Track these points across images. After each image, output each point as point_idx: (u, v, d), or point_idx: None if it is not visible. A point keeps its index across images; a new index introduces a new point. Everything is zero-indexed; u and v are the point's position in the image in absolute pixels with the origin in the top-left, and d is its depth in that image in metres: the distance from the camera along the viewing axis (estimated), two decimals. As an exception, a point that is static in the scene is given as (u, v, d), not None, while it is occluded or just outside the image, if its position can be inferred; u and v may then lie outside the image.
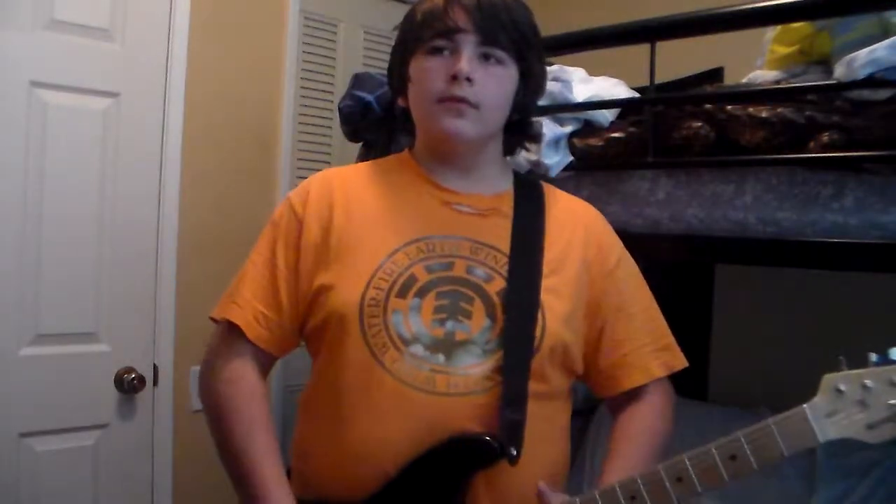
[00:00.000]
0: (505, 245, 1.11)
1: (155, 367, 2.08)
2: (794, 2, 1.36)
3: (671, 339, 1.19)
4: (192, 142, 2.15)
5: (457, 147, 1.12)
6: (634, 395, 1.15)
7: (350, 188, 1.15)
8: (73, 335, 1.98)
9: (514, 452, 1.00)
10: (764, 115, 1.33)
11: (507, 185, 1.18)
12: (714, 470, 0.92)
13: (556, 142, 1.59)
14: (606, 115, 1.62)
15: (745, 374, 2.19)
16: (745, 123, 1.36)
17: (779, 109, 1.33)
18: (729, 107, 1.39)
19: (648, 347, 1.16)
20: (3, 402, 1.84)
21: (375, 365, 1.02)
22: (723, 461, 0.91)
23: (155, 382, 2.08)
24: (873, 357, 0.88)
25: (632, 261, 1.22)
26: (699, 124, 1.42)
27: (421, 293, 1.05)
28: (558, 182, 1.62)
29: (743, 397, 2.17)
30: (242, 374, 1.09)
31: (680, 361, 1.18)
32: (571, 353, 1.10)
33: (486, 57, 1.07)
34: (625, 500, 0.95)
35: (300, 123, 2.44)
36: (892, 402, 0.85)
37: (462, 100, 1.06)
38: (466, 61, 1.05)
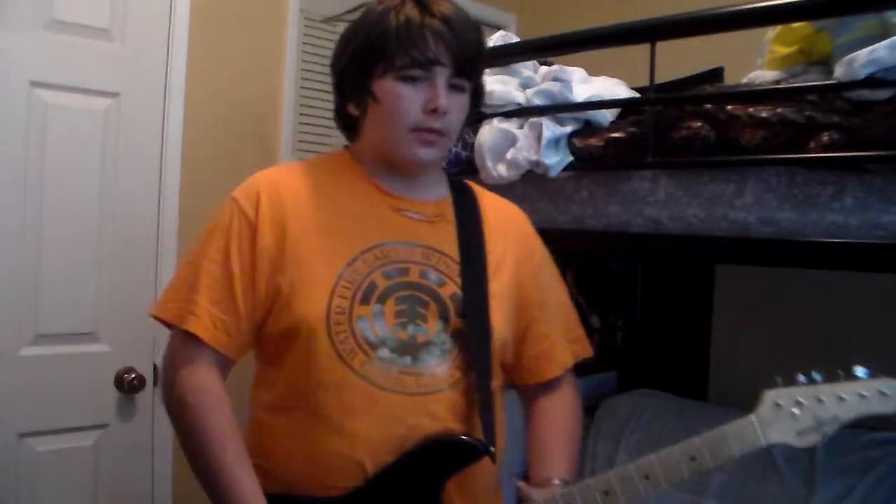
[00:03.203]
0: (453, 250, 1.16)
1: (155, 367, 2.08)
2: (794, 2, 1.36)
3: (581, 331, 1.29)
4: (192, 142, 2.15)
5: (419, 170, 1.17)
6: (550, 385, 1.25)
7: (299, 193, 1.15)
8: (73, 335, 1.97)
9: (493, 450, 1.08)
10: (764, 115, 1.33)
11: (445, 190, 1.24)
12: (677, 468, 1.05)
13: (556, 142, 1.59)
14: (606, 115, 1.62)
15: (745, 374, 2.18)
16: (745, 123, 1.36)
17: (779, 109, 1.33)
18: (729, 107, 1.39)
19: (563, 339, 1.25)
20: (3, 402, 1.84)
21: (345, 369, 1.06)
22: (684, 461, 1.05)
23: (155, 382, 2.08)
24: (801, 377, 1.05)
25: (549, 257, 1.29)
26: (699, 124, 1.42)
27: (381, 299, 1.09)
28: (558, 182, 1.63)
29: (743, 397, 2.17)
30: (208, 383, 1.09)
31: (587, 351, 1.28)
32: (510, 348, 1.20)
33: (452, 86, 1.11)
34: (599, 495, 1.05)
35: (300, 123, 2.44)
36: (818, 413, 1.03)
37: (436, 131, 1.11)
38: (443, 96, 1.09)
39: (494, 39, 1.82)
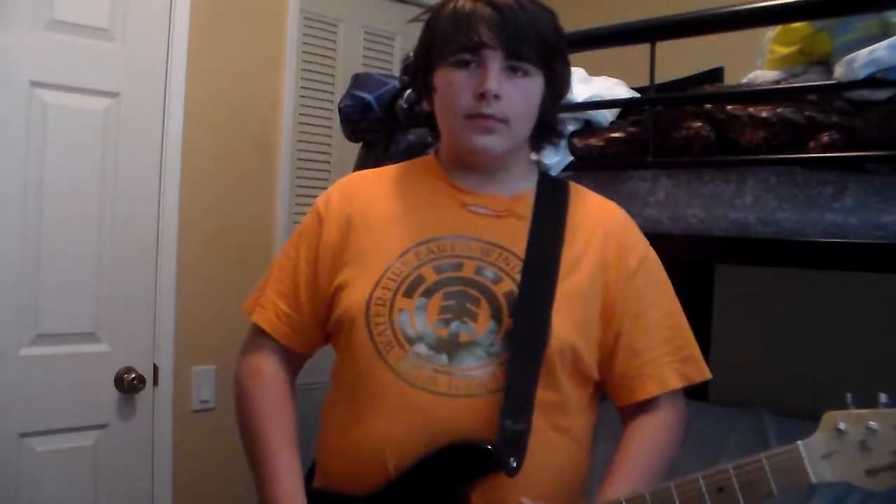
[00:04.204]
0: (519, 247, 1.09)
1: (155, 367, 2.08)
2: (794, 2, 1.36)
3: (694, 350, 1.14)
4: (192, 142, 2.15)
5: (486, 161, 1.12)
6: (647, 406, 1.12)
7: (370, 191, 1.18)
8: (73, 335, 1.98)
9: (514, 464, 0.98)
10: (764, 115, 1.33)
11: (529, 186, 1.17)
12: (699, 500, 0.89)
13: (556, 142, 1.59)
14: (606, 115, 1.62)
15: (745, 374, 2.19)
16: (745, 123, 1.35)
17: (779, 109, 1.33)
18: (729, 107, 1.39)
19: (666, 358, 1.12)
20: (3, 402, 1.84)
21: (379, 362, 1.04)
22: (709, 492, 0.88)
23: (155, 382, 2.08)
24: (882, 398, 0.82)
25: (657, 265, 1.17)
26: (699, 124, 1.42)
27: (428, 293, 1.06)
28: (558, 182, 1.63)
29: (743, 397, 2.17)
30: (262, 368, 1.15)
31: (700, 374, 1.14)
32: (583, 358, 1.07)
33: (512, 69, 1.07)
34: None
35: (300, 123, 2.44)
36: None
37: (490, 117, 1.06)
38: (493, 79, 1.04)
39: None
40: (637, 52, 1.49)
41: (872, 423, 0.81)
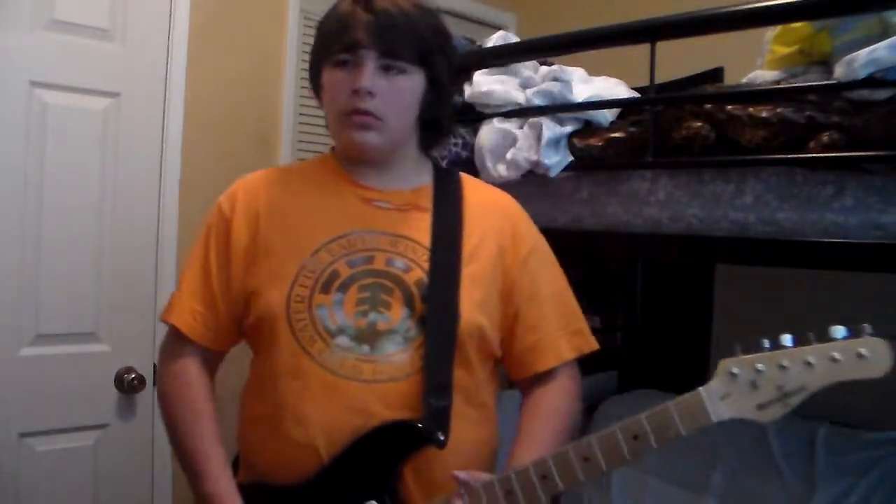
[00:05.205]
0: (424, 238, 1.17)
1: (155, 367, 2.08)
2: (794, 2, 1.36)
3: (583, 324, 1.26)
4: (192, 142, 2.15)
5: (366, 156, 1.19)
6: (545, 377, 1.22)
7: (275, 190, 1.22)
8: (73, 335, 1.98)
9: (442, 438, 1.07)
10: (764, 115, 1.33)
11: (425, 179, 1.25)
12: (617, 449, 0.99)
13: (556, 142, 1.59)
14: (606, 115, 1.62)
15: (744, 374, 2.19)
16: (745, 123, 1.36)
17: (779, 109, 1.33)
18: (729, 107, 1.39)
19: (560, 332, 1.23)
20: (3, 402, 1.84)
21: (304, 356, 1.10)
22: (626, 440, 0.99)
23: (155, 382, 2.08)
24: (765, 343, 0.95)
25: (546, 247, 1.28)
26: (699, 124, 1.42)
27: (343, 287, 1.12)
28: (558, 182, 1.63)
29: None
30: (184, 370, 1.20)
31: (589, 345, 1.25)
32: (488, 338, 1.17)
33: (387, 68, 1.13)
34: (537, 478, 1.02)
35: (300, 123, 2.44)
36: (780, 383, 0.93)
37: (366, 113, 1.12)
38: (366, 77, 1.11)
39: (494, 39, 1.82)
40: (637, 52, 1.49)
41: (759, 365, 0.94)
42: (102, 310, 2.00)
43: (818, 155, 1.28)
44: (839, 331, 0.93)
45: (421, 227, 1.18)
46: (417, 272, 1.14)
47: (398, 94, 1.14)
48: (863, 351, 0.92)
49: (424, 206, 1.20)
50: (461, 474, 1.06)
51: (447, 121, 1.28)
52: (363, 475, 1.08)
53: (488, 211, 1.24)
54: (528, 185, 1.68)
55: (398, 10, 1.13)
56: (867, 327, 0.94)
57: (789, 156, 1.31)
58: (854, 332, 0.93)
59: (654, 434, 0.98)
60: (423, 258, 1.15)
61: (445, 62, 1.19)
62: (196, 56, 2.14)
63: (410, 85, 1.15)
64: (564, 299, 1.26)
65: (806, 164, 1.30)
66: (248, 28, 2.30)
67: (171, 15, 2.09)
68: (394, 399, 1.09)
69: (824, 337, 0.94)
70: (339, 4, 1.16)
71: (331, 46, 1.15)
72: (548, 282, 1.24)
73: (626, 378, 2.68)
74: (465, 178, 1.29)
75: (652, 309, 2.74)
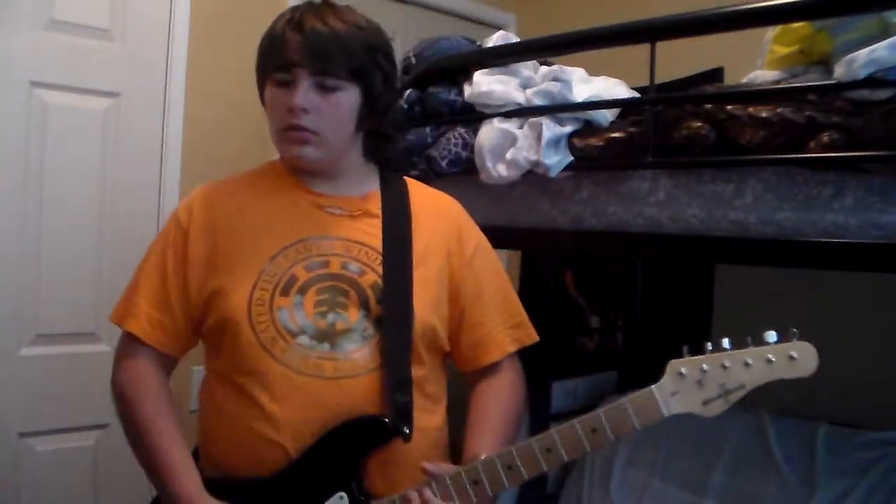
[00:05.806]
0: (376, 242, 1.23)
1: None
2: (794, 2, 1.36)
3: (523, 318, 1.34)
4: (192, 142, 2.15)
5: (307, 168, 1.24)
6: (490, 370, 1.29)
7: (231, 199, 1.26)
8: (73, 335, 1.98)
9: (407, 431, 1.14)
10: (764, 115, 1.33)
11: (373, 185, 1.31)
12: (577, 441, 1.07)
13: (556, 142, 1.59)
14: (606, 115, 1.62)
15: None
16: (745, 123, 1.35)
17: (779, 109, 1.33)
18: (729, 107, 1.39)
19: (502, 326, 1.30)
20: (3, 402, 1.85)
21: (266, 356, 1.14)
22: (585, 433, 1.07)
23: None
24: (709, 346, 1.05)
25: (487, 245, 1.35)
26: (699, 124, 1.42)
27: (302, 291, 1.17)
28: (558, 182, 1.63)
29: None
30: (142, 375, 1.22)
31: (530, 337, 1.33)
32: (439, 335, 1.24)
33: (320, 86, 1.18)
34: (503, 468, 1.09)
35: (300, 123, 2.44)
36: (722, 381, 1.03)
37: (302, 129, 1.18)
38: (300, 95, 1.16)
39: (494, 39, 1.82)
40: (637, 52, 1.49)
41: (705, 366, 1.04)
42: (102, 310, 2.00)
43: (818, 155, 1.27)
44: (771, 335, 1.03)
45: (372, 232, 1.24)
46: (371, 275, 1.20)
47: (332, 109, 1.19)
48: (793, 353, 1.02)
49: (375, 211, 1.26)
50: (429, 466, 1.12)
51: (390, 128, 1.33)
52: (331, 468, 1.12)
53: (434, 214, 1.30)
54: (528, 185, 1.68)
55: (328, 29, 1.17)
56: (795, 332, 1.03)
57: (789, 156, 1.31)
58: (783, 337, 1.03)
59: (612, 428, 1.06)
60: (377, 262, 1.21)
61: (380, 75, 1.23)
62: (196, 56, 2.14)
63: (345, 100, 1.20)
64: (505, 295, 1.33)
65: (806, 164, 1.30)
66: (248, 28, 2.29)
67: (171, 15, 2.09)
68: (356, 395, 1.14)
69: (759, 340, 1.04)
70: (274, 25, 1.21)
71: (268, 66, 1.21)
72: (491, 280, 1.31)
73: (626, 378, 2.68)
74: (411, 182, 1.35)
75: (652, 308, 2.74)
